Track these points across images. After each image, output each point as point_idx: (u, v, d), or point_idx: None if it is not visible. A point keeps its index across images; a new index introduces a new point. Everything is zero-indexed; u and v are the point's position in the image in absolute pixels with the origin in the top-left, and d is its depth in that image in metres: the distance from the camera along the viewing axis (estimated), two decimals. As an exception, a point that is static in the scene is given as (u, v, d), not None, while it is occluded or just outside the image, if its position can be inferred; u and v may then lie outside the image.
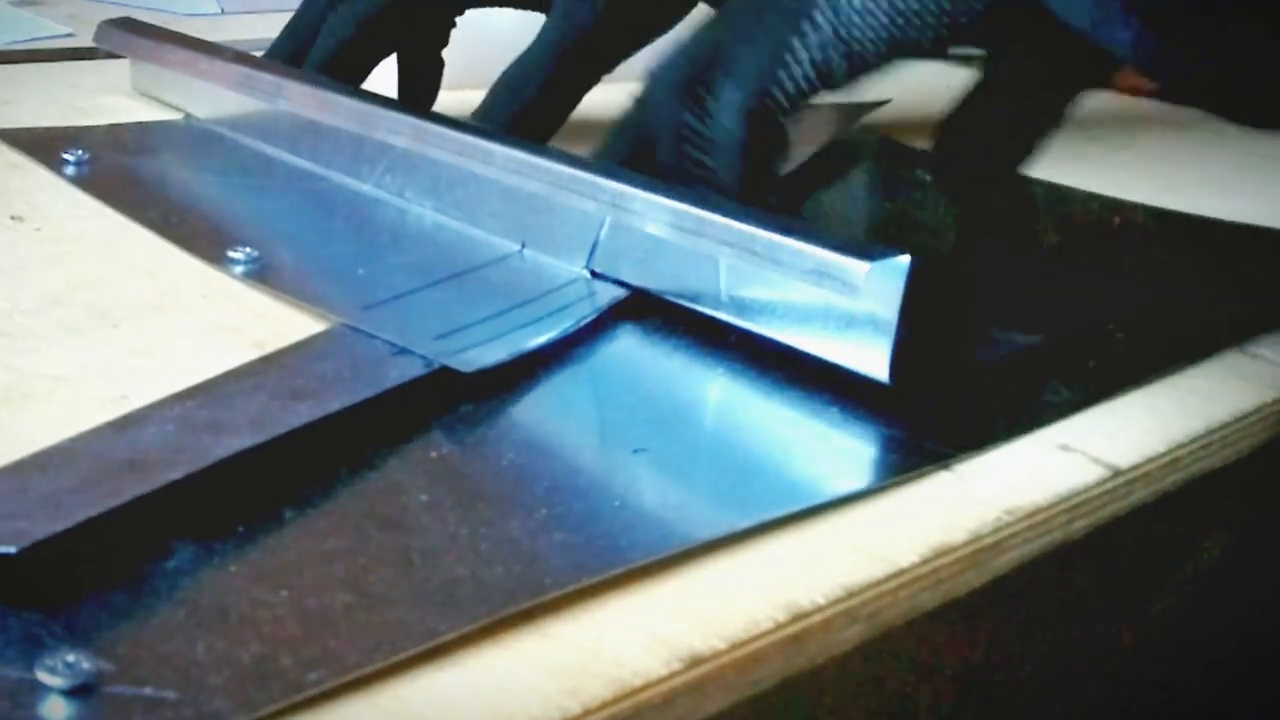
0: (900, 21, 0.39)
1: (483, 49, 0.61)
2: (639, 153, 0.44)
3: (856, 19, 0.39)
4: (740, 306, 0.36)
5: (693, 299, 0.37)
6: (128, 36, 0.62)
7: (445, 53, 0.57)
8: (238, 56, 0.55)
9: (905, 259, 0.33)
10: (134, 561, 0.25)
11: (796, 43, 0.39)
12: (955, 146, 0.46)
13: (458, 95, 0.55)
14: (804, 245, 0.34)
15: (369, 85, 0.54)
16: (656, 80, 0.44)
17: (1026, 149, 0.46)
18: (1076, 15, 0.35)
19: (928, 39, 0.39)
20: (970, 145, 0.46)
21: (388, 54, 0.56)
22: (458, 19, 0.56)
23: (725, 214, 0.36)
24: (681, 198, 0.38)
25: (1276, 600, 0.41)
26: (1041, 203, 0.56)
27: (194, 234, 0.43)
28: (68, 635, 0.23)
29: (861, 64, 0.40)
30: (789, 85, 0.40)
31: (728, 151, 0.40)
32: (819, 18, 0.39)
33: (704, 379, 0.36)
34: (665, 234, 0.38)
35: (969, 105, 0.45)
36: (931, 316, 0.33)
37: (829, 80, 0.40)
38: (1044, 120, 0.45)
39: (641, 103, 0.45)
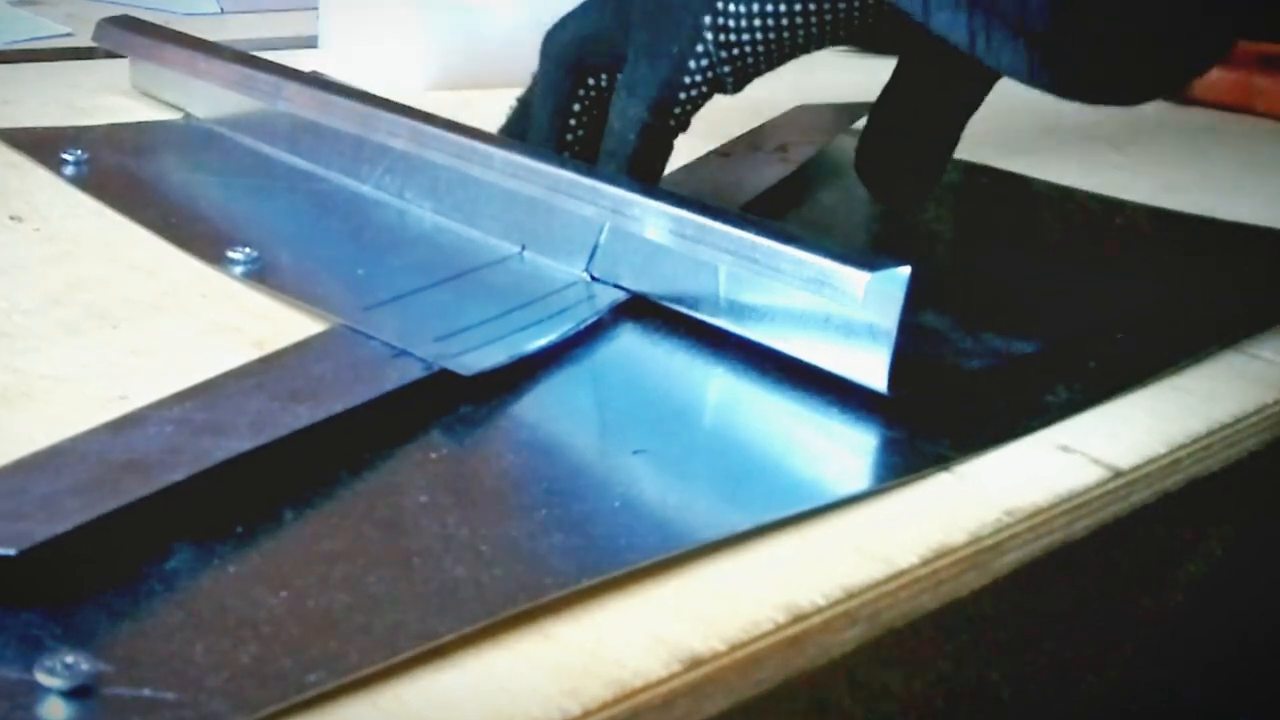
0: (785, 33, 0.40)
1: (483, 49, 0.61)
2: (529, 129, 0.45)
3: (745, 33, 0.40)
4: (739, 314, 0.36)
5: (692, 305, 0.37)
6: (127, 34, 0.62)
7: (446, 52, 0.56)
8: (237, 56, 0.55)
9: (905, 270, 0.33)
10: (133, 562, 0.25)
11: (691, 62, 0.40)
12: (880, 145, 0.46)
13: (458, 95, 0.55)
14: (804, 254, 0.34)
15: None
16: (547, 59, 0.44)
17: (948, 141, 0.46)
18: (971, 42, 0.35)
19: (811, 45, 0.40)
20: (894, 142, 0.46)
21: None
22: (464, 20, 0.55)
23: (726, 222, 0.36)
24: (682, 205, 0.38)
25: (1276, 600, 0.41)
26: (1041, 203, 0.56)
27: (194, 234, 0.43)
28: (67, 636, 0.23)
29: (751, 72, 0.41)
30: (684, 98, 0.41)
31: (618, 158, 0.42)
32: (708, 35, 0.40)
33: (704, 379, 0.36)
34: (665, 240, 0.37)
35: (886, 105, 0.45)
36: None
37: (721, 90, 0.41)
38: (961, 111, 0.46)
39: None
